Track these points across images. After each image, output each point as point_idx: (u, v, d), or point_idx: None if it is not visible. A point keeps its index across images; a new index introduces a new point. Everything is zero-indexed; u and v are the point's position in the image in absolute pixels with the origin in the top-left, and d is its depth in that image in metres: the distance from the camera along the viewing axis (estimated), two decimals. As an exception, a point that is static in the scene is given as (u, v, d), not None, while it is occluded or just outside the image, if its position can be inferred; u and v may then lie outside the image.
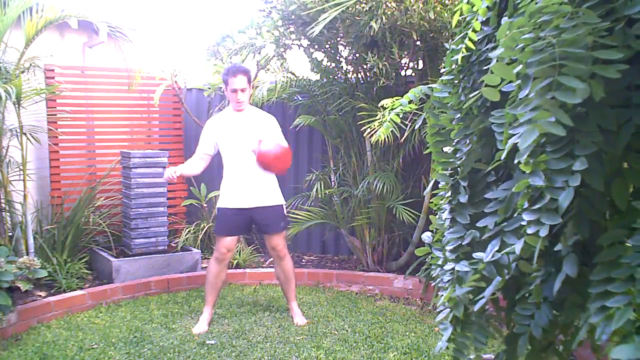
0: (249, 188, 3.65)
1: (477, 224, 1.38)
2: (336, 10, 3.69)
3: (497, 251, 1.25)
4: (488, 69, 1.50)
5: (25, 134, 4.20)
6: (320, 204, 4.93)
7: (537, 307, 1.24)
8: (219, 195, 3.79)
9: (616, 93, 1.08)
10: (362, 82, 4.54)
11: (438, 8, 3.72)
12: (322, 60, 4.58)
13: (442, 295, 1.53)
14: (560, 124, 1.00)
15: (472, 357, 1.55)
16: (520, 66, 1.09)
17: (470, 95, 1.35)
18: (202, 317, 3.71)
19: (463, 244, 1.48)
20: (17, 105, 4.10)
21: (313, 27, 3.86)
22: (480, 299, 1.39)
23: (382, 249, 4.72)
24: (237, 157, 3.65)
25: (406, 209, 4.30)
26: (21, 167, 4.22)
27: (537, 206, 1.08)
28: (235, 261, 4.78)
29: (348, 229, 4.84)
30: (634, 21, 1.08)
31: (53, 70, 4.79)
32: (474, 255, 1.32)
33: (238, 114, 3.70)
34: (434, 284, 3.97)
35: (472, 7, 1.57)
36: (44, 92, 4.39)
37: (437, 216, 1.83)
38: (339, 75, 4.65)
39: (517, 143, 1.05)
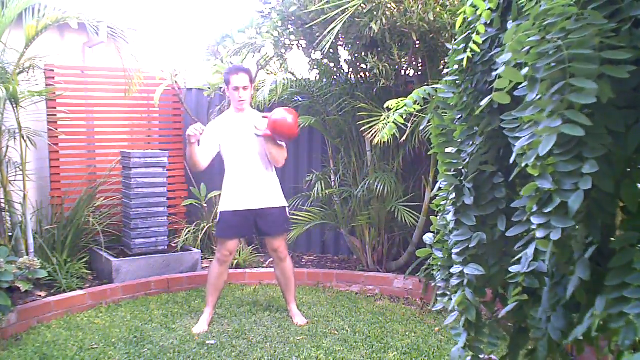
0: (252, 189, 3.65)
1: (507, 234, 1.37)
2: (342, 21, 3.69)
3: (532, 260, 1.24)
4: (492, 70, 1.50)
5: (23, 136, 4.19)
6: (320, 204, 4.94)
7: (553, 309, 1.23)
8: (221, 199, 3.76)
9: (624, 94, 1.08)
10: (362, 82, 4.55)
11: (437, 9, 3.72)
12: (322, 60, 4.58)
13: (440, 294, 1.53)
14: (578, 125, 1.00)
15: (482, 356, 1.55)
16: (527, 68, 1.09)
17: (482, 103, 1.35)
18: (203, 317, 3.71)
19: (470, 246, 1.47)
20: (15, 106, 4.10)
21: (321, 40, 3.88)
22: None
23: (382, 249, 4.72)
24: (240, 158, 3.65)
25: (407, 210, 4.31)
26: (21, 168, 4.22)
27: (546, 210, 1.07)
28: (235, 261, 4.78)
29: (348, 229, 4.85)
30: (640, 22, 1.09)
31: (53, 70, 4.78)
32: (511, 269, 1.31)
33: (239, 115, 3.70)
34: (433, 284, 3.98)
35: (475, 9, 1.58)
36: (42, 94, 4.38)
37: (438, 217, 1.83)
38: (338, 76, 4.66)
39: (524, 146, 1.05)
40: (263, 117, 3.66)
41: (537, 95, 1.08)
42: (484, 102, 1.33)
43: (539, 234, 1.09)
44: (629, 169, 1.11)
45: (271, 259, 4.25)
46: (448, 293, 1.68)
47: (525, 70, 1.11)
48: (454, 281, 1.51)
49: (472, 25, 1.59)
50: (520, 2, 1.32)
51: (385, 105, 3.43)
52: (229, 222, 3.67)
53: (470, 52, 1.53)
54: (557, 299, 1.21)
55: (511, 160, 1.19)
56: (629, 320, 1.01)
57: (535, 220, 1.11)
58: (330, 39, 3.77)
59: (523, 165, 1.11)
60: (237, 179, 3.66)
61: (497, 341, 1.53)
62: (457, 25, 1.71)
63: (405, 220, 4.31)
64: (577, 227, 1.10)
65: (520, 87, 1.19)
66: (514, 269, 1.29)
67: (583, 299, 1.17)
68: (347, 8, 3.68)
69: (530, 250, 1.20)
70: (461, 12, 1.66)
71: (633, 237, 1.06)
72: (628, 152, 1.08)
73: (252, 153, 3.64)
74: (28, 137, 4.24)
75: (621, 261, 1.06)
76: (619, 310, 1.03)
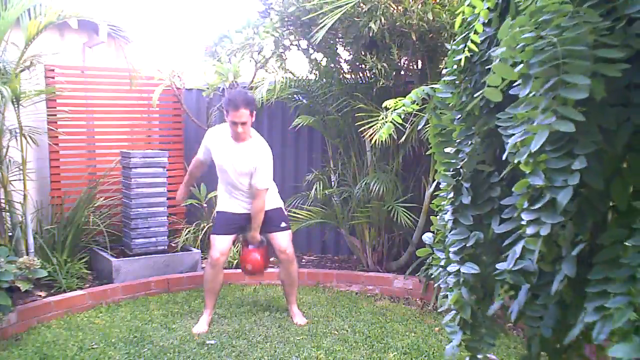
0: (245, 201, 3.73)
1: (496, 230, 1.36)
2: (337, 14, 3.69)
3: (519, 258, 1.23)
4: (490, 69, 1.50)
5: (24, 135, 4.20)
6: (320, 204, 4.94)
7: (545, 308, 1.24)
8: (217, 201, 3.86)
9: (616, 92, 1.08)
10: (361, 82, 4.54)
11: (437, 9, 3.72)
12: (321, 60, 4.58)
13: (443, 295, 1.53)
14: (569, 120, 1.00)
15: (480, 356, 1.55)
16: (522, 65, 1.10)
17: (475, 96, 1.35)
18: (202, 317, 3.71)
19: (467, 245, 1.47)
20: (16, 105, 4.10)
21: (315, 33, 3.87)
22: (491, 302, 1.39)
23: (382, 249, 4.72)
24: (229, 181, 3.69)
25: (405, 211, 4.29)
26: (21, 167, 4.22)
27: (536, 206, 1.07)
28: (235, 261, 4.78)
29: (348, 229, 4.85)
30: (634, 20, 1.09)
31: (53, 70, 4.78)
32: (497, 265, 1.30)
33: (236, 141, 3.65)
34: (436, 285, 3.97)
35: (474, 8, 1.58)
36: (44, 93, 4.39)
37: (437, 217, 1.83)
38: (338, 76, 4.65)
39: (517, 143, 1.05)
40: (249, 248, 3.81)
41: (530, 92, 1.08)
42: (475, 95, 1.33)
43: (529, 230, 1.09)
44: (619, 167, 1.11)
45: (271, 259, 4.25)
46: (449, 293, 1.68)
47: (519, 67, 1.11)
48: (451, 279, 1.51)
49: (472, 25, 1.59)
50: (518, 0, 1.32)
51: (383, 105, 3.43)
52: (225, 218, 3.74)
53: (469, 51, 1.53)
54: (549, 297, 1.21)
55: (504, 157, 1.19)
56: (607, 315, 1.01)
57: (526, 217, 1.11)
58: (324, 31, 3.76)
59: (516, 162, 1.11)
60: (228, 192, 3.75)
61: (494, 341, 1.53)
62: (457, 25, 1.71)
63: (401, 220, 4.29)
64: (566, 224, 1.10)
65: (514, 85, 1.20)
66: (500, 266, 1.29)
67: (569, 296, 1.17)
68: (344, 4, 3.69)
69: (518, 248, 1.20)
70: (460, 12, 1.66)
71: (622, 233, 1.06)
72: (617, 149, 1.08)
73: (242, 177, 3.64)
74: (30, 136, 4.24)
75: (607, 256, 1.06)
76: (598, 304, 1.04)
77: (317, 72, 4.67)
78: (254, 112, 3.55)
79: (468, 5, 1.60)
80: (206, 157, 3.80)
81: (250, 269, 3.83)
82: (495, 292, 1.36)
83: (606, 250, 1.07)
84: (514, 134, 1.13)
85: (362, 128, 3.99)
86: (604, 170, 1.08)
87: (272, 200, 3.78)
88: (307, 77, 4.83)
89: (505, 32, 1.14)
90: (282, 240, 3.75)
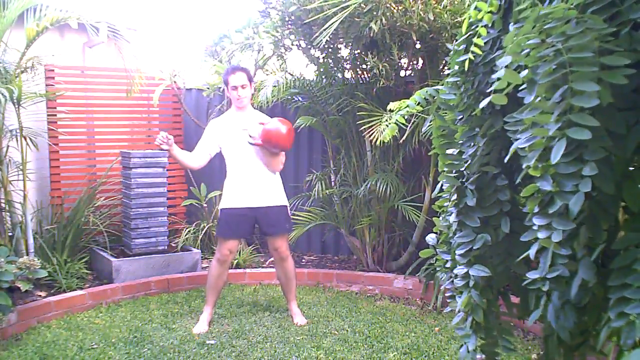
0: (254, 187, 3.65)
1: (521, 238, 1.35)
2: (340, 17, 3.69)
3: (550, 265, 1.21)
4: (493, 71, 1.50)
5: (25, 137, 4.19)
6: (320, 204, 4.94)
7: (562, 309, 1.23)
8: (222, 197, 3.77)
9: (624, 96, 1.08)
10: (361, 82, 4.54)
11: (437, 9, 3.72)
12: (322, 61, 4.58)
13: (450, 296, 1.52)
14: (585, 128, 1.00)
15: (479, 356, 1.55)
16: (526, 71, 1.10)
17: (480, 105, 1.35)
18: (202, 317, 3.71)
19: (474, 247, 1.47)
20: (16, 106, 4.10)
21: (318, 36, 3.88)
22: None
23: (382, 249, 4.73)
24: (241, 157, 3.65)
25: (412, 209, 4.32)
26: (21, 168, 4.21)
27: (548, 211, 1.07)
28: (235, 261, 4.78)
29: (348, 229, 4.85)
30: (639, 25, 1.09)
31: (53, 70, 4.78)
32: (528, 274, 1.29)
33: (240, 114, 3.71)
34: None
35: (479, 12, 1.58)
36: (47, 95, 4.38)
37: (440, 218, 1.84)
38: (338, 76, 4.65)
39: (526, 147, 1.05)
40: (259, 123, 3.63)
41: (535, 97, 1.08)
42: (482, 104, 1.33)
43: (541, 235, 1.09)
44: (630, 170, 1.11)
45: (271, 259, 4.25)
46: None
47: (524, 73, 1.11)
48: (458, 282, 1.51)
49: (474, 27, 1.60)
50: (520, 6, 1.32)
51: (388, 108, 3.43)
52: (229, 221, 3.68)
53: (473, 54, 1.54)
54: (566, 299, 1.21)
55: (505, 160, 1.19)
56: (630, 320, 1.01)
57: (537, 222, 1.10)
58: (327, 35, 3.77)
59: (524, 166, 1.11)
60: (238, 178, 3.67)
61: (511, 344, 1.52)
62: (464, 29, 1.71)
63: (410, 218, 4.31)
64: (580, 228, 1.10)
65: (521, 88, 1.20)
66: (531, 274, 1.26)
67: (602, 293, 1.16)
68: (347, 6, 3.68)
69: (546, 253, 1.18)
70: (466, 17, 1.66)
71: (636, 237, 1.06)
72: (627, 153, 1.08)
73: (253, 153, 3.64)
74: (30, 139, 4.23)
75: (624, 262, 1.06)
76: (621, 310, 1.03)
77: (317, 72, 4.67)
78: (252, 82, 3.75)
79: (474, 9, 1.60)
80: (213, 149, 3.70)
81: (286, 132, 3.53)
82: (531, 302, 1.35)
83: (622, 255, 1.07)
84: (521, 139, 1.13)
85: (363, 128, 3.99)
86: (614, 173, 1.08)
87: (279, 195, 3.75)
88: (307, 77, 4.82)
89: (510, 40, 1.14)
90: (280, 240, 3.75)
